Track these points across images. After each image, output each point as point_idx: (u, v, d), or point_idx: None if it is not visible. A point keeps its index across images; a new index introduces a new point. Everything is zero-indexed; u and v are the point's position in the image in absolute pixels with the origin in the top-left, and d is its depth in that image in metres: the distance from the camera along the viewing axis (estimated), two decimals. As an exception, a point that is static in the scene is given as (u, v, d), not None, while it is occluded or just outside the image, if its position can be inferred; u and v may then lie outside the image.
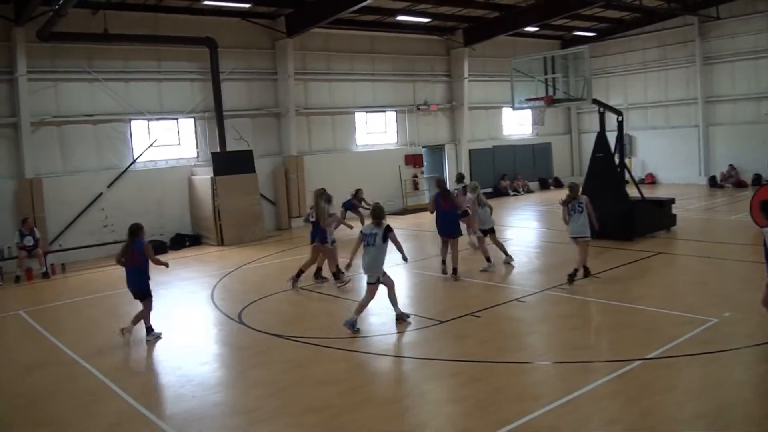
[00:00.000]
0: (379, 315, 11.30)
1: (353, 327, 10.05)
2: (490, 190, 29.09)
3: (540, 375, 8.08)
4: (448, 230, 13.44)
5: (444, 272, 13.62)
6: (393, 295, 10.52)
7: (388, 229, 10.21)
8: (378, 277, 10.30)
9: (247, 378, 8.59)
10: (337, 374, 8.37)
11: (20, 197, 17.83)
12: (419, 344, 9.63)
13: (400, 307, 10.59)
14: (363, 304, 10.33)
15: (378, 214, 10.40)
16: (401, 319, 10.48)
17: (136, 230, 10.38)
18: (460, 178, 17.71)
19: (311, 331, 10.32)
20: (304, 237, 20.82)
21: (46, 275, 16.58)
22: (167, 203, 20.72)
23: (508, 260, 14.42)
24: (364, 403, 7.37)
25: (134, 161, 20.20)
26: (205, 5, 20.49)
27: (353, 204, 20.47)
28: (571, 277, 11.93)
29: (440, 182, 14.35)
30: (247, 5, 20.98)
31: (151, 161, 20.74)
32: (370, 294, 10.35)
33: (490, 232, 14.51)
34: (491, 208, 14.69)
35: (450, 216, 13.36)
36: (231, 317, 11.51)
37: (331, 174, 22.24)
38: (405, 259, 10.78)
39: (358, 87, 25.74)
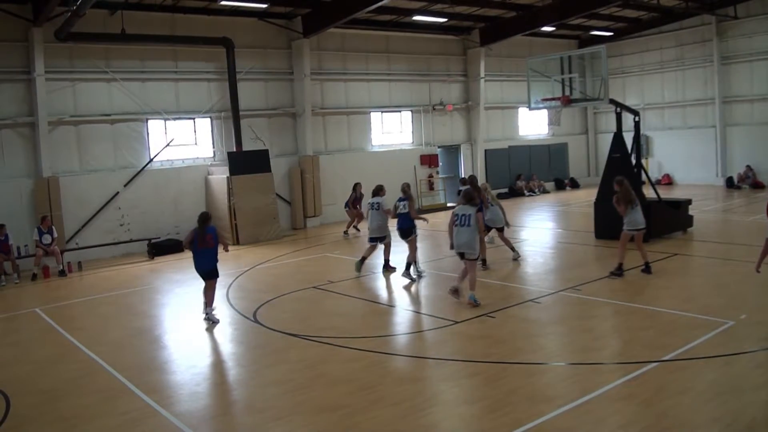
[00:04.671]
0: (393, 314, 11.34)
1: (476, 301, 11.21)
2: (505, 190, 29.07)
3: (554, 376, 8.04)
4: None
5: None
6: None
7: (478, 210, 11.63)
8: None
9: (262, 377, 8.62)
10: (351, 373, 8.37)
11: (37, 196, 17.99)
12: (433, 344, 9.62)
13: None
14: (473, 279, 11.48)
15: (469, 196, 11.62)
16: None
17: (208, 217, 11.50)
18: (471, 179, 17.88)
19: (325, 330, 10.35)
20: (319, 236, 21.08)
21: (62, 273, 16.74)
22: (183, 202, 20.82)
23: (515, 257, 15.02)
24: (378, 403, 7.37)
25: (151, 160, 20.34)
26: (222, 5, 20.58)
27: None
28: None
29: (472, 178, 15.30)
30: (264, 5, 21.05)
31: (167, 161, 20.87)
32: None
33: (500, 230, 14.98)
34: (502, 208, 15.10)
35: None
36: (246, 316, 11.56)
37: (347, 174, 22.26)
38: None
39: (373, 87, 25.76)
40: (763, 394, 7.16)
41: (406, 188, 14.32)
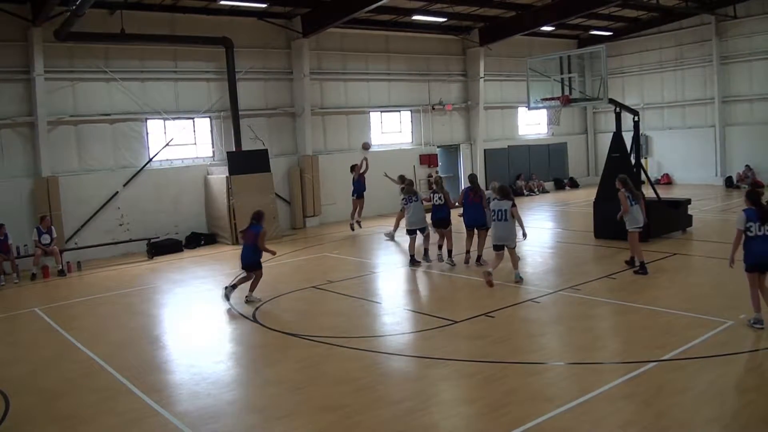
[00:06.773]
0: (393, 314, 11.33)
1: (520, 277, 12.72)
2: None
3: (554, 376, 8.03)
4: (475, 222, 14.57)
5: (467, 261, 14.73)
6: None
7: (513, 205, 12.56)
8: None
9: (262, 376, 8.63)
10: (351, 373, 8.37)
11: (37, 196, 17.98)
12: (433, 344, 9.61)
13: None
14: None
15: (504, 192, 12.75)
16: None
17: (258, 217, 12.76)
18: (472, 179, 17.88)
19: (325, 329, 10.35)
20: (318, 236, 21.07)
21: (62, 273, 16.72)
22: (183, 202, 20.81)
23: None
24: (378, 403, 7.38)
25: (150, 160, 20.32)
26: (222, 5, 20.56)
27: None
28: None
29: (472, 177, 15.53)
30: (263, 5, 21.03)
31: (167, 160, 20.85)
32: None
33: None
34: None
35: (477, 209, 14.39)
36: (245, 316, 11.56)
37: (346, 174, 22.24)
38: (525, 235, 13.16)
39: (373, 87, 25.75)
40: (762, 393, 7.16)
41: (438, 180, 15.80)
